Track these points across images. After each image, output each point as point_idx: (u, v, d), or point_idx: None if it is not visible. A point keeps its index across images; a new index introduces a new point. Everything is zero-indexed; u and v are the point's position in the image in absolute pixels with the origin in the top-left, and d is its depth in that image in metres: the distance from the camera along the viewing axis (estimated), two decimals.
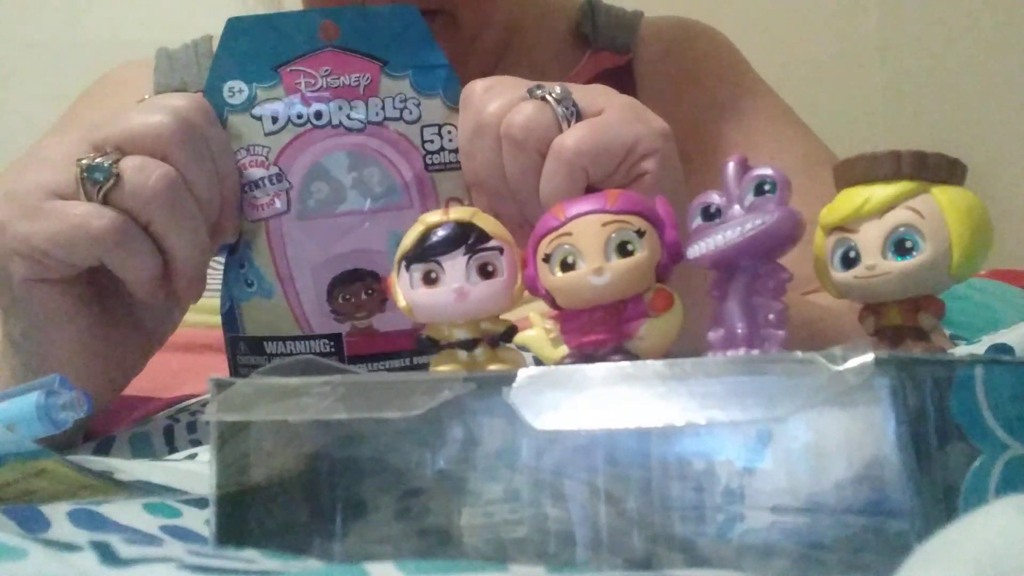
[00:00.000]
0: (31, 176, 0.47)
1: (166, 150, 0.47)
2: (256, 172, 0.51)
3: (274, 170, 0.50)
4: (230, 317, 0.52)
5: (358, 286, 0.51)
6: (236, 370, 0.53)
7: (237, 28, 0.51)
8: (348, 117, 0.50)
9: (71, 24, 1.29)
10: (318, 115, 0.50)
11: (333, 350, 0.51)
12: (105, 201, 0.46)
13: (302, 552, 0.32)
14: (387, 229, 0.50)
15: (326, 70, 0.50)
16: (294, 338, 0.51)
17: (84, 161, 0.46)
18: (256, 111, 0.50)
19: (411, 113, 0.51)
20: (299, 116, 0.50)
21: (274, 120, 0.50)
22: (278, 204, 0.50)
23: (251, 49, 0.51)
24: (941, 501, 0.25)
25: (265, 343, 0.52)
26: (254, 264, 0.51)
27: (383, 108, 0.50)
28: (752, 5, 1.35)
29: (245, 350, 0.52)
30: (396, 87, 0.51)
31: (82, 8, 1.29)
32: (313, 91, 0.51)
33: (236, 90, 0.51)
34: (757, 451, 0.29)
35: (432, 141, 0.50)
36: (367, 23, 0.51)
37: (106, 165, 0.46)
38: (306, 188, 0.50)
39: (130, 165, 0.46)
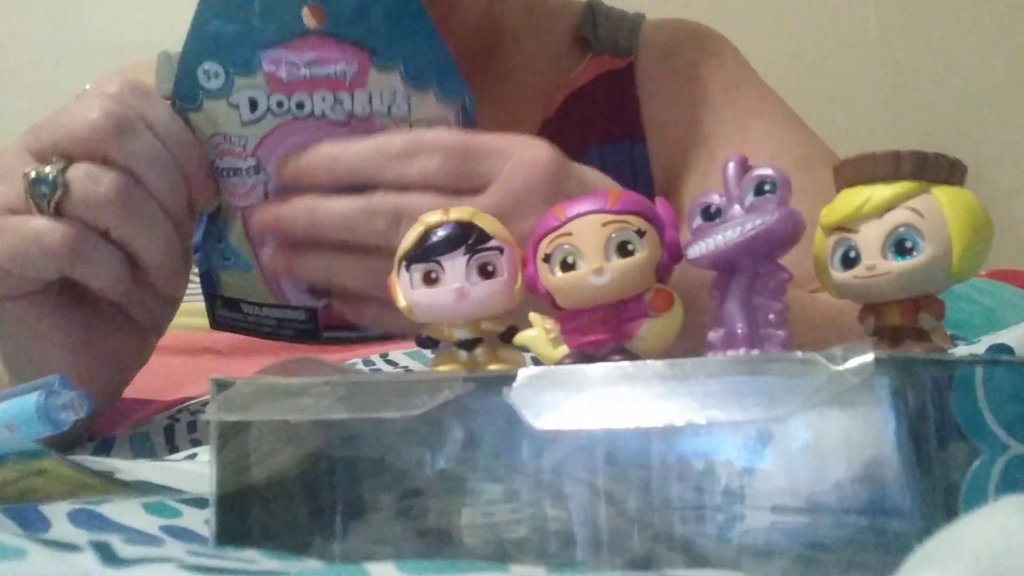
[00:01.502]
0: None
1: (106, 150, 0.45)
2: (233, 162, 0.48)
3: (252, 161, 0.48)
4: (208, 278, 0.52)
5: None
6: (215, 321, 0.53)
7: (213, 5, 0.47)
8: (332, 109, 0.47)
9: (71, 24, 1.29)
10: (300, 105, 0.47)
11: (307, 318, 0.51)
12: (59, 211, 0.44)
13: (302, 552, 0.32)
14: None
15: (310, 57, 0.47)
16: (271, 305, 0.51)
17: (31, 174, 0.44)
18: (233, 99, 0.47)
19: (399, 108, 0.48)
20: (279, 105, 0.47)
21: (253, 109, 0.47)
22: (257, 194, 0.49)
23: (229, 30, 0.47)
24: (941, 501, 0.25)
25: (242, 304, 0.52)
26: (231, 243, 0.50)
27: (370, 102, 0.47)
28: (752, 6, 1.36)
29: (222, 306, 0.52)
30: (385, 80, 0.47)
31: (82, 8, 1.30)
32: (295, 80, 0.47)
33: (212, 73, 0.47)
34: (757, 451, 0.29)
35: None
36: (355, 7, 0.47)
37: (51, 177, 0.44)
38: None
39: (76, 175, 0.44)
